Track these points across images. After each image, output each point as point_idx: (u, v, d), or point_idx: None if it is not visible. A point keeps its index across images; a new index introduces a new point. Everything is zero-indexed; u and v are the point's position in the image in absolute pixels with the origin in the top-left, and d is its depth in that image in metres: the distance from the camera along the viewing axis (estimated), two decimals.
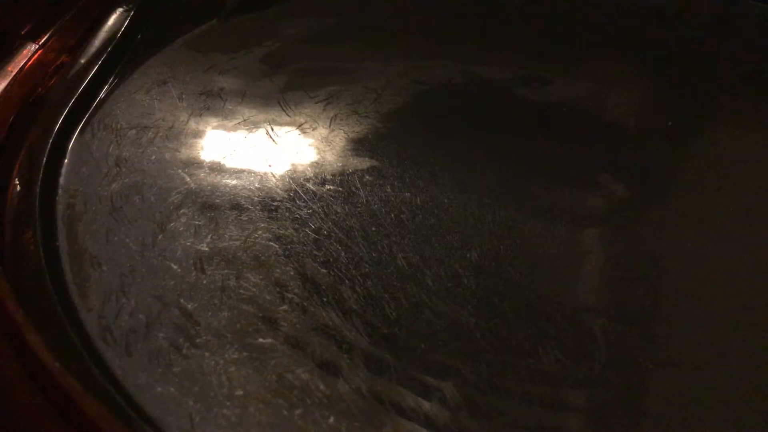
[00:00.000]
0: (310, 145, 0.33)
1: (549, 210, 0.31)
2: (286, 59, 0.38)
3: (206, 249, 0.28)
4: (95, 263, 0.27)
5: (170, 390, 0.24)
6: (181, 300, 0.26)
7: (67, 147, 0.32)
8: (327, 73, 0.37)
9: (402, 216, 0.30)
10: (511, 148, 0.34)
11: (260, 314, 0.26)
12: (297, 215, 0.30)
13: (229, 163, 0.32)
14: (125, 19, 0.39)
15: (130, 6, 0.39)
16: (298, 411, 0.23)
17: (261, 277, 0.27)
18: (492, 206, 0.30)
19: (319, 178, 0.31)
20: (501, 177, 0.32)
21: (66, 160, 0.32)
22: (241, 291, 0.27)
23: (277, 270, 0.28)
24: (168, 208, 0.30)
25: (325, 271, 0.28)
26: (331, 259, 0.28)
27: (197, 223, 0.29)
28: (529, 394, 0.24)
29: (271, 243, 0.28)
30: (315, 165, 0.32)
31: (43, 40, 0.37)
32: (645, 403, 0.25)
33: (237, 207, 0.30)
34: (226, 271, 0.27)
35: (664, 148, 0.34)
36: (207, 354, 0.25)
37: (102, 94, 0.35)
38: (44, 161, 0.31)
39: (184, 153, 0.32)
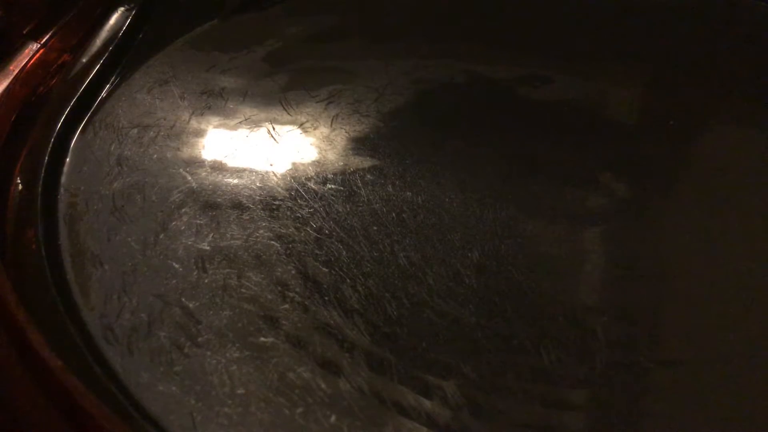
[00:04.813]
0: (311, 144, 0.33)
1: (550, 209, 0.31)
2: (288, 58, 0.38)
3: (208, 248, 0.28)
4: (97, 262, 0.27)
5: (172, 389, 0.24)
6: (183, 299, 0.26)
7: (69, 146, 0.32)
8: (328, 73, 0.37)
9: (403, 215, 0.30)
10: (512, 147, 0.34)
11: (261, 313, 0.26)
12: (298, 214, 0.30)
13: (231, 162, 0.32)
14: (127, 18, 0.39)
15: (132, 5, 0.39)
16: (299, 410, 0.23)
17: (262, 276, 0.27)
18: (493, 205, 0.30)
19: (321, 177, 0.31)
20: (502, 176, 0.32)
21: (67, 159, 0.32)
22: (243, 290, 0.27)
23: (279, 269, 0.28)
24: (169, 207, 0.30)
25: (326, 270, 0.28)
26: (332, 258, 0.28)
27: (199, 222, 0.29)
28: (530, 394, 0.24)
29: (272, 242, 0.28)
30: (316, 164, 0.32)
31: (44, 40, 0.37)
32: (646, 402, 0.25)
33: (238, 206, 0.30)
34: (227, 270, 0.27)
35: (666, 147, 0.34)
36: (208, 353, 0.25)
37: (103, 94, 0.35)
38: (46, 160, 0.31)
39: (186, 152, 0.32)
